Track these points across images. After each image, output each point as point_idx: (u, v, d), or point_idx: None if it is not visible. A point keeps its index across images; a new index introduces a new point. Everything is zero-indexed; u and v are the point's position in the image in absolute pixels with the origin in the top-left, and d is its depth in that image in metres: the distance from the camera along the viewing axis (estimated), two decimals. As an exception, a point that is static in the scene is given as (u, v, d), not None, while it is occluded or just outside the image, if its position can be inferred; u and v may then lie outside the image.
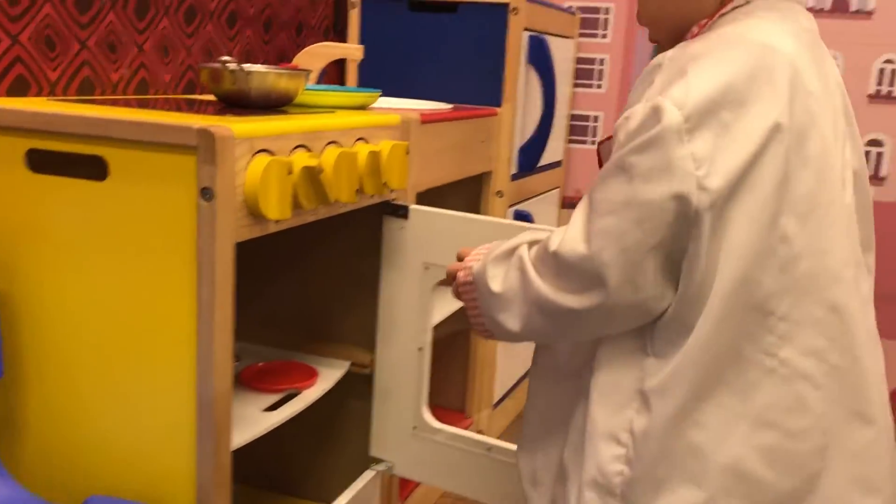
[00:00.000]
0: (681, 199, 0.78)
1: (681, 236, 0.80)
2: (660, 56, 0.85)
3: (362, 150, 1.18)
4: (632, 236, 0.80)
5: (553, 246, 0.85)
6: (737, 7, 0.88)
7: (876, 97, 2.19)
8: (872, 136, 2.20)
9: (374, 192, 1.22)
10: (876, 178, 2.20)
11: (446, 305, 1.69)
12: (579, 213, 0.86)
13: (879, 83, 2.17)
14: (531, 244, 0.92)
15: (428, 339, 1.37)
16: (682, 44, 0.87)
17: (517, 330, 0.90)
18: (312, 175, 1.03)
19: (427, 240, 1.33)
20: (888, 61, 2.17)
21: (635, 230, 0.79)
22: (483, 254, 0.97)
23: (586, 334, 0.89)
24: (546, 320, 0.88)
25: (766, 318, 0.81)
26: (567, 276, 0.84)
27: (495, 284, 0.92)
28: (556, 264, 0.85)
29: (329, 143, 1.13)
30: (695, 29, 0.90)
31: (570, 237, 0.84)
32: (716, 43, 0.85)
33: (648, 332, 0.85)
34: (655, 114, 0.79)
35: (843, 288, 0.84)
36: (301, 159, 1.02)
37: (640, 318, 0.84)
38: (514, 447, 1.33)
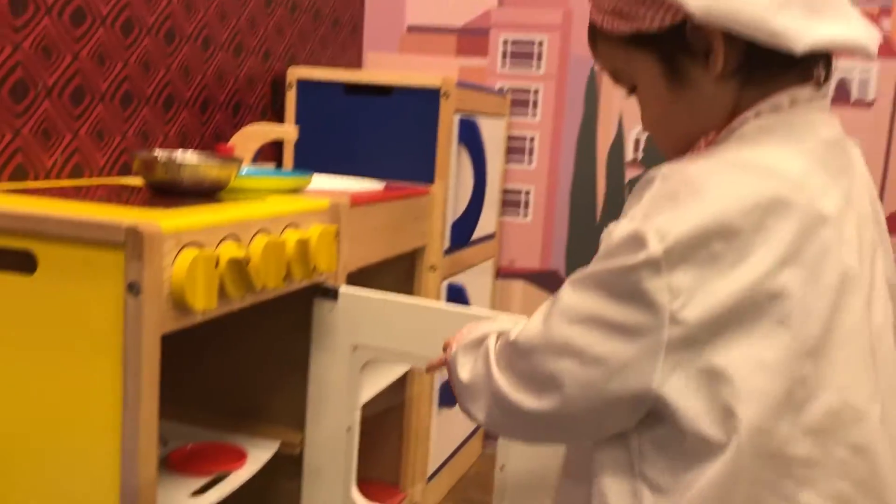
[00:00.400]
0: (649, 330, 0.74)
1: (646, 369, 0.74)
2: (654, 169, 0.79)
3: (290, 238, 1.22)
4: (595, 353, 0.76)
5: (513, 335, 0.83)
6: (747, 121, 0.82)
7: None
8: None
9: (303, 276, 1.26)
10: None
11: (375, 383, 1.72)
12: (545, 308, 0.82)
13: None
14: (500, 334, 0.88)
15: (356, 418, 1.39)
16: (681, 160, 0.81)
17: (483, 422, 0.87)
18: (239, 266, 1.07)
19: (356, 321, 1.37)
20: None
21: (599, 350, 0.76)
22: (463, 335, 0.94)
23: (550, 440, 0.85)
24: (506, 418, 0.84)
25: (785, 464, 0.75)
26: (523, 370, 0.81)
27: (464, 373, 0.89)
28: (515, 355, 0.82)
29: (258, 231, 1.17)
30: (702, 142, 0.85)
31: (530, 327, 0.81)
32: (715, 166, 0.79)
33: (637, 450, 0.78)
34: (636, 241, 0.74)
35: (867, 426, 0.78)
36: (228, 251, 1.06)
37: (609, 431, 0.78)
38: None
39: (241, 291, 1.11)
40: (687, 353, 0.73)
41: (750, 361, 0.73)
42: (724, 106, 0.83)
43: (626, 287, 0.75)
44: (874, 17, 2.21)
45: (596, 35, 0.89)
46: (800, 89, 0.82)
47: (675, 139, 0.88)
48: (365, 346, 1.37)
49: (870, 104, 2.25)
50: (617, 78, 0.90)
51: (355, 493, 1.40)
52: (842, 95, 2.25)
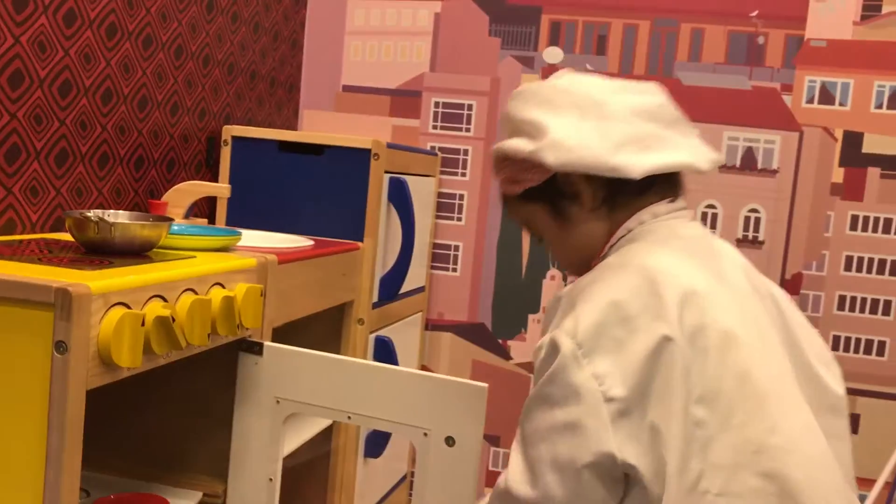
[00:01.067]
0: (594, 415, 0.91)
1: (604, 445, 0.91)
2: (558, 292, 1.03)
3: (216, 296, 1.28)
4: (565, 455, 0.93)
5: (502, 483, 1.01)
6: (621, 237, 1.07)
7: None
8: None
9: (228, 332, 1.32)
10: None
11: (300, 434, 1.77)
12: (516, 447, 1.01)
13: (703, 224, 2.46)
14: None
15: (278, 469, 1.44)
16: (577, 279, 1.03)
17: None
18: (165, 324, 1.13)
19: (279, 375, 1.43)
20: (710, 206, 2.46)
21: (566, 450, 0.93)
22: None
23: None
24: None
25: (703, 497, 0.90)
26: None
27: None
28: (510, 500, 1.00)
29: (185, 290, 1.23)
30: (594, 262, 1.08)
31: (513, 473, 1.00)
32: (600, 273, 1.02)
33: None
34: (553, 347, 0.94)
35: (771, 455, 0.92)
36: (154, 310, 1.12)
37: None
38: None
39: (167, 348, 1.16)
40: (630, 420, 0.90)
41: (666, 412, 0.90)
42: (602, 231, 1.09)
43: (560, 390, 0.93)
44: (776, 94, 2.39)
45: (505, 200, 1.18)
46: (658, 205, 1.08)
47: (576, 264, 1.13)
48: (288, 400, 1.43)
49: (774, 172, 2.41)
50: (527, 228, 1.17)
51: (276, 543, 1.44)
52: (749, 164, 2.42)
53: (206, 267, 1.31)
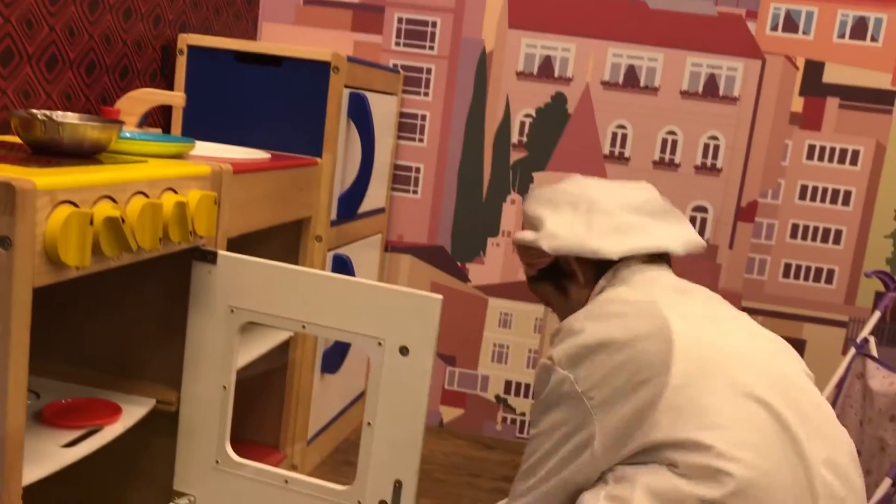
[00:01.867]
0: (577, 411, 1.15)
1: (591, 430, 1.14)
2: (560, 323, 1.26)
3: (168, 201, 1.26)
4: (560, 443, 1.18)
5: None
6: (599, 291, 1.31)
7: (659, 164, 2.48)
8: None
9: (181, 239, 1.30)
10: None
11: (255, 348, 1.78)
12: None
13: (663, 151, 2.47)
14: None
15: (232, 378, 1.45)
16: (570, 316, 1.25)
17: None
18: (114, 225, 1.11)
19: (234, 284, 1.42)
20: (670, 132, 2.46)
21: (565, 445, 1.17)
22: None
23: None
24: None
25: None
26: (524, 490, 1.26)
27: None
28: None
29: (135, 193, 1.21)
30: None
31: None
32: (583, 312, 1.23)
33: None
34: (548, 368, 1.20)
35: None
36: (103, 210, 1.10)
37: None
38: (310, 479, 1.43)
39: (117, 250, 1.14)
40: (606, 413, 1.12)
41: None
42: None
43: (555, 399, 1.18)
44: (740, 20, 2.38)
45: (527, 280, 1.44)
46: (638, 265, 1.30)
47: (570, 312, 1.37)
48: (242, 309, 1.42)
49: (735, 100, 2.42)
50: (544, 302, 1.44)
51: (229, 449, 1.46)
52: (711, 91, 2.42)
53: (158, 171, 1.29)
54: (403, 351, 1.35)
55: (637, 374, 1.10)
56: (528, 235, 1.37)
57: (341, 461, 2.35)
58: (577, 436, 1.16)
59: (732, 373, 1.10)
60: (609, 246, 1.28)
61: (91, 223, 1.07)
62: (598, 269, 1.32)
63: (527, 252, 1.40)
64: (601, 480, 1.14)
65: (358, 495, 1.39)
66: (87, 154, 1.29)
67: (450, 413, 2.69)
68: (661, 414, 1.07)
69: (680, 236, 1.32)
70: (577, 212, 1.33)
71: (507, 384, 2.65)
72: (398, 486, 1.37)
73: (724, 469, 1.03)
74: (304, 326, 1.40)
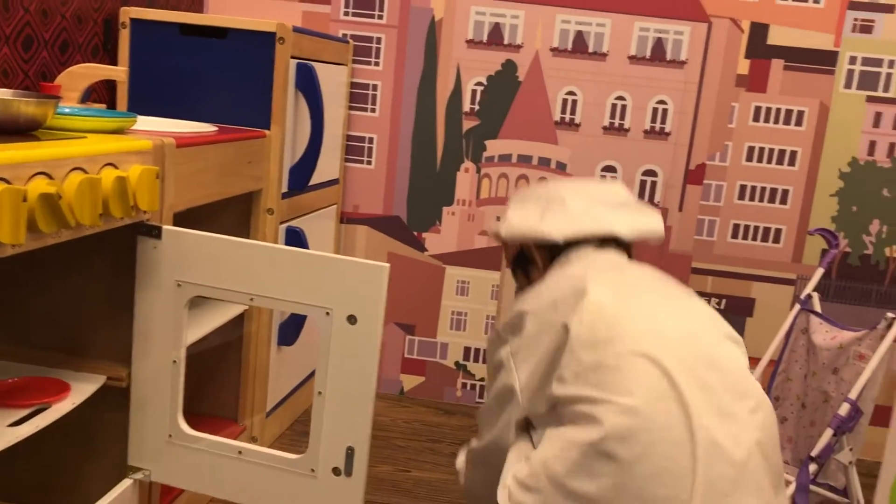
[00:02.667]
0: (510, 373, 1.26)
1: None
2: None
3: (108, 176, 1.25)
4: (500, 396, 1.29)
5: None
6: (550, 268, 1.38)
7: (609, 129, 2.50)
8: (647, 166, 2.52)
9: (123, 214, 1.30)
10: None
11: (209, 321, 1.78)
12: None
13: (612, 116, 2.49)
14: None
15: (182, 352, 1.45)
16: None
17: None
18: (50, 201, 1.10)
19: (180, 259, 1.42)
20: (619, 98, 2.48)
21: (505, 406, 1.28)
22: None
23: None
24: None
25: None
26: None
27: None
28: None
29: (73, 169, 1.20)
30: None
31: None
32: (530, 291, 1.32)
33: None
34: (492, 339, 1.35)
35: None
36: (38, 187, 1.09)
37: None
38: (263, 449, 1.44)
39: (55, 227, 1.14)
40: (524, 372, 1.25)
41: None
42: None
43: (496, 364, 1.31)
44: (686, -17, 2.39)
45: (511, 271, 1.52)
46: (587, 249, 1.36)
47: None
48: (189, 283, 1.42)
49: (682, 64, 2.44)
50: (520, 290, 1.48)
51: (182, 422, 1.46)
52: (659, 56, 2.44)
53: (96, 147, 1.28)
54: (351, 320, 1.36)
55: (547, 335, 1.20)
56: (496, 227, 1.49)
57: (301, 432, 2.36)
58: (511, 397, 1.25)
59: (634, 338, 1.12)
60: (554, 230, 1.36)
61: (25, 200, 1.06)
62: (552, 255, 1.39)
63: (502, 244, 1.53)
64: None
65: (311, 463, 1.41)
66: (23, 130, 1.27)
67: (410, 381, 2.72)
68: (564, 369, 1.14)
69: (630, 222, 1.37)
70: (538, 205, 1.42)
71: (466, 351, 2.68)
72: (350, 452, 1.39)
73: (600, 414, 1.07)
74: (251, 299, 1.41)
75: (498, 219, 1.56)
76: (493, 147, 2.56)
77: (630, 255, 1.40)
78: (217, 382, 2.12)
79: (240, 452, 1.45)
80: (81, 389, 1.41)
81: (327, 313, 1.37)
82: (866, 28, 2.38)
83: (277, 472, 1.43)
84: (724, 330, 1.21)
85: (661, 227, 1.39)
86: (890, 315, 1.84)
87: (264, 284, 1.40)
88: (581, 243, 1.36)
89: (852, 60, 2.39)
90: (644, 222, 1.39)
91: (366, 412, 1.38)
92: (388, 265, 1.34)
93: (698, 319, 1.20)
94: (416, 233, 2.64)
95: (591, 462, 1.06)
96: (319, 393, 1.39)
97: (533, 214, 1.41)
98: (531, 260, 1.44)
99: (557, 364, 1.17)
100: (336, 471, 1.40)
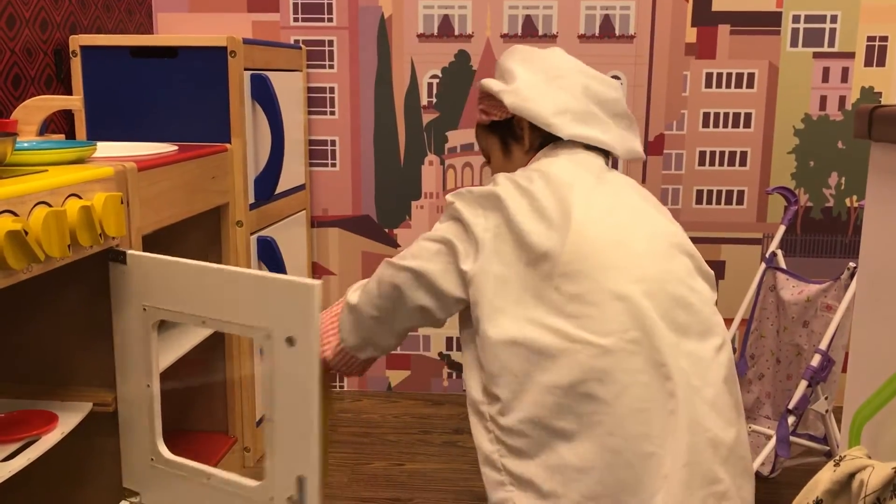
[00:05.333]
0: (470, 239, 1.24)
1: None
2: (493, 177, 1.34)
3: (72, 207, 1.27)
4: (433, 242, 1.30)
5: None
6: (535, 161, 1.36)
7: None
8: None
9: (91, 243, 1.32)
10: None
11: (188, 341, 1.80)
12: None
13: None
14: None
15: (155, 376, 1.45)
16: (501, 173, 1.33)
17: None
18: (17, 238, 1.12)
19: (144, 283, 1.42)
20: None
21: (447, 248, 1.28)
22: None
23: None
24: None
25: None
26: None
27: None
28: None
29: (37, 203, 1.22)
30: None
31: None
32: (512, 174, 1.30)
33: None
34: (458, 195, 1.29)
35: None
36: (4, 224, 1.11)
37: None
38: (228, 475, 1.39)
39: (24, 263, 1.15)
40: (491, 261, 1.21)
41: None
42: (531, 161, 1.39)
43: (452, 215, 1.28)
44: (627, -42, 2.43)
45: (477, 126, 1.48)
46: (578, 148, 1.35)
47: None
48: (152, 307, 1.42)
49: (631, 38, 2.48)
50: (482, 152, 1.49)
51: (161, 446, 1.46)
52: (608, 32, 2.47)
53: (58, 179, 1.29)
54: (290, 341, 1.27)
55: (525, 247, 1.19)
56: (494, 85, 1.39)
57: (294, 437, 2.39)
58: (461, 254, 1.23)
59: (615, 276, 1.15)
60: (564, 125, 1.33)
61: (-8, 239, 1.08)
62: (544, 141, 1.37)
63: (487, 100, 1.43)
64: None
65: (269, 492, 1.33)
66: (-16, 170, 1.28)
67: (397, 376, 2.75)
68: (543, 292, 1.16)
69: (627, 141, 1.38)
70: (548, 81, 1.36)
71: (448, 340, 2.72)
72: (301, 481, 1.30)
73: (577, 353, 1.11)
74: (203, 322, 1.37)
75: (495, 75, 1.46)
76: (455, 137, 2.58)
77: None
78: (205, 397, 2.14)
79: (208, 478, 1.42)
80: (69, 419, 1.43)
81: (268, 335, 1.29)
82: (806, -14, 2.43)
83: (240, 500, 1.39)
84: (697, 265, 1.26)
85: (642, 150, 1.43)
86: (851, 264, 1.89)
87: (213, 306, 1.36)
88: (576, 142, 1.35)
89: (796, 19, 2.44)
90: (635, 144, 1.40)
91: (312, 439, 1.28)
92: (318, 282, 1.24)
93: (675, 255, 1.23)
94: (387, 230, 2.66)
95: (572, 402, 1.10)
96: (269, 420, 1.31)
97: (544, 95, 1.34)
98: (519, 136, 1.39)
99: (529, 277, 1.17)
100: (291, 500, 1.32)
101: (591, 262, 1.15)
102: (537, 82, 1.36)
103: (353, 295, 1.40)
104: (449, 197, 1.30)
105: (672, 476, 1.08)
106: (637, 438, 1.08)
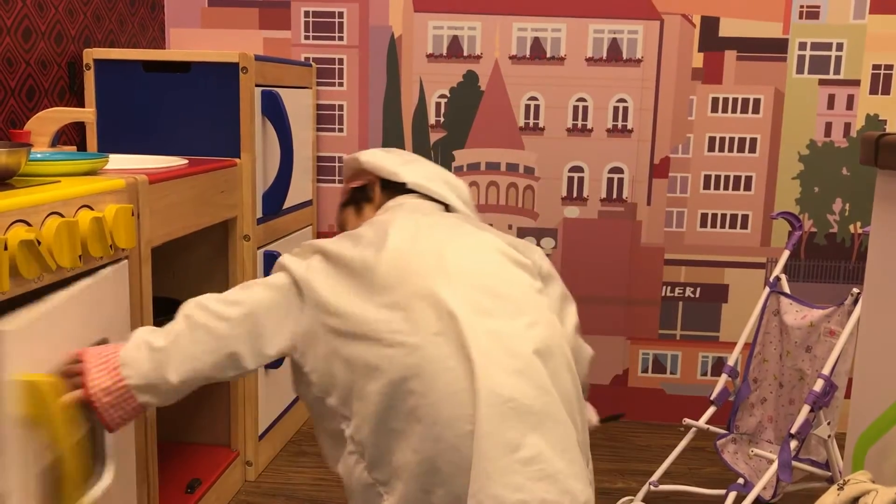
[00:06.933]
0: (298, 294, 1.28)
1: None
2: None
3: (84, 218, 1.28)
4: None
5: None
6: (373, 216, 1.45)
7: (573, 131, 2.56)
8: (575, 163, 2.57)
9: (102, 254, 1.33)
10: (580, 199, 2.57)
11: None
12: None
13: (575, 118, 2.54)
14: None
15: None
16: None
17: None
18: (30, 247, 1.13)
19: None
20: (580, 100, 2.54)
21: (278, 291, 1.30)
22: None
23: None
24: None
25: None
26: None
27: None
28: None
29: (50, 214, 1.23)
30: None
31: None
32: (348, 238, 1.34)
33: None
34: (303, 249, 1.35)
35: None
36: (17, 234, 1.12)
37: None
38: None
39: (37, 272, 1.17)
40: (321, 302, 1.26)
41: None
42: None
43: (287, 267, 1.30)
44: (636, -17, 2.45)
45: (339, 208, 1.59)
46: (409, 197, 1.46)
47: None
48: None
49: (638, 62, 2.50)
50: (341, 228, 1.55)
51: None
52: (615, 55, 2.50)
53: (71, 190, 1.31)
54: None
55: (343, 265, 1.26)
56: (351, 156, 1.58)
57: (295, 452, 2.39)
58: (291, 298, 1.28)
59: (422, 280, 1.21)
60: (408, 173, 1.47)
61: (6, 248, 1.09)
62: (389, 195, 1.48)
63: (349, 174, 1.59)
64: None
65: None
66: (-2, 180, 1.30)
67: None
68: (358, 306, 1.22)
69: (465, 206, 1.49)
70: (404, 162, 1.52)
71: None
72: None
73: (392, 356, 1.17)
74: None
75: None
76: (462, 157, 2.60)
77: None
78: (208, 410, 2.14)
79: None
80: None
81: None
82: (812, 14, 2.45)
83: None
84: (513, 257, 1.31)
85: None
86: (855, 290, 1.90)
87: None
88: (415, 194, 1.46)
89: (802, 46, 2.46)
90: (475, 223, 1.46)
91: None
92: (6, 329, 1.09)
93: (486, 253, 1.30)
94: (392, 247, 2.67)
95: (398, 402, 1.16)
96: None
97: (390, 157, 1.51)
98: (370, 198, 1.51)
99: (353, 294, 1.23)
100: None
101: (403, 273, 1.22)
102: (392, 157, 1.53)
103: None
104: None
105: (476, 447, 1.11)
106: (455, 420, 1.12)
